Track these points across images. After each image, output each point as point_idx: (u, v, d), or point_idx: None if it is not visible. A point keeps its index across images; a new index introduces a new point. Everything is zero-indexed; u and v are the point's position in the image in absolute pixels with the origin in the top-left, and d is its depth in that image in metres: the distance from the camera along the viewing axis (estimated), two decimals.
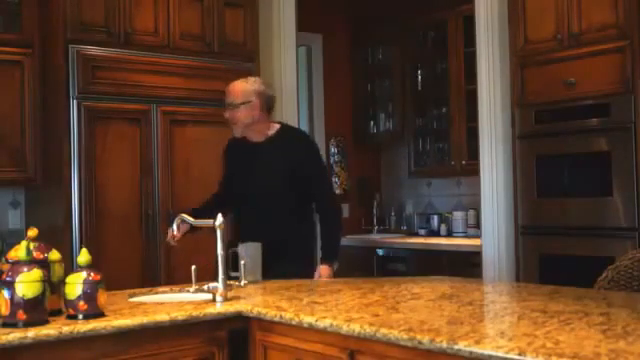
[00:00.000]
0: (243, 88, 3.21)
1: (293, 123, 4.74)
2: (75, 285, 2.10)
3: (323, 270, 3.08)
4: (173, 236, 3.00)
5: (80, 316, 2.08)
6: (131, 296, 2.59)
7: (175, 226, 2.81)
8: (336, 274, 3.15)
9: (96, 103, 3.82)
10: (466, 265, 4.63)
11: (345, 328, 1.94)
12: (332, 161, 6.12)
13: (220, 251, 2.52)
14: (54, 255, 2.21)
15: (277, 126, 3.29)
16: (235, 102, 3.17)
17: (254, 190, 3.19)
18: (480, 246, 4.38)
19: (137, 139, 3.96)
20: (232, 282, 2.64)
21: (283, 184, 3.15)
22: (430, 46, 5.84)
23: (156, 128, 4.01)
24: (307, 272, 3.11)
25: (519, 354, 1.54)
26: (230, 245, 2.95)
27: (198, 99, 4.16)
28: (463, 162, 5.35)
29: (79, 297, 2.09)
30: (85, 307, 2.09)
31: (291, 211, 3.17)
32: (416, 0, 5.70)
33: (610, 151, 3.73)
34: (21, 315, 1.97)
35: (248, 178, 3.21)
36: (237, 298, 2.47)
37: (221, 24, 4.30)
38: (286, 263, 3.06)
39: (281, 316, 2.16)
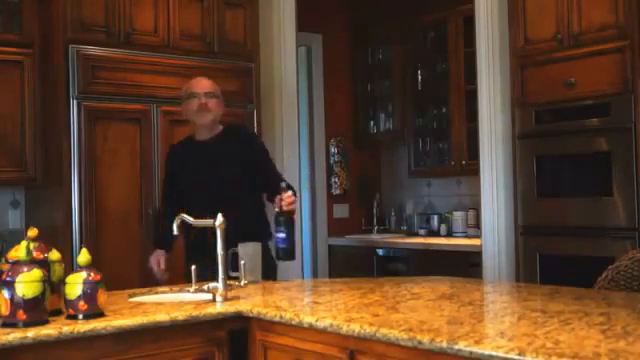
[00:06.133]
0: (217, 85, 3.40)
1: (293, 123, 4.76)
2: (75, 285, 2.10)
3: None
4: (160, 268, 3.33)
5: (80, 316, 2.08)
6: (131, 296, 2.59)
7: (175, 225, 2.77)
8: (336, 274, 3.15)
9: (96, 103, 3.82)
10: (466, 265, 4.62)
11: (345, 328, 1.94)
12: (332, 161, 6.11)
13: (220, 251, 2.53)
14: (54, 255, 2.21)
15: (221, 127, 3.41)
16: (214, 92, 3.33)
17: (210, 184, 3.28)
18: (480, 246, 4.38)
19: (137, 139, 3.95)
20: (232, 282, 2.64)
21: (238, 173, 3.28)
22: (430, 46, 5.84)
23: (156, 128, 4.01)
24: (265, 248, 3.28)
25: (519, 354, 1.54)
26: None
27: None
28: (463, 162, 5.35)
29: (79, 297, 2.09)
30: (85, 307, 2.09)
31: (246, 196, 3.30)
32: (416, 0, 5.70)
33: (610, 151, 3.73)
34: (21, 315, 1.97)
35: (203, 174, 3.31)
36: (237, 298, 2.47)
37: (221, 24, 4.30)
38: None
39: (281, 316, 2.16)
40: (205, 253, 2.87)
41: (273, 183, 3.18)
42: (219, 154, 3.30)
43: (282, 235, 2.88)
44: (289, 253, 2.91)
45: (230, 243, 2.89)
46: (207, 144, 3.34)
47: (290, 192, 2.94)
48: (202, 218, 2.77)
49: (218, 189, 3.24)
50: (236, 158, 3.29)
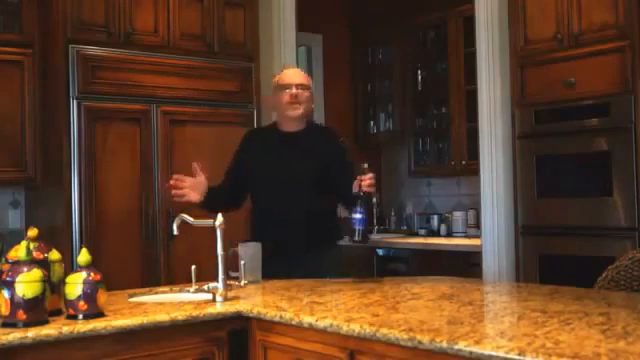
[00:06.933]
0: (309, 77, 3.31)
1: None
2: (75, 285, 2.10)
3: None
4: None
5: (80, 316, 2.08)
6: (131, 296, 2.59)
7: (175, 225, 2.78)
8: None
9: (96, 103, 3.82)
10: (466, 265, 4.63)
11: (345, 328, 1.94)
12: None
13: (220, 251, 2.53)
14: (54, 255, 2.21)
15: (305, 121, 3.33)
16: (306, 84, 3.25)
17: (290, 175, 3.19)
18: (480, 246, 4.37)
19: (137, 139, 3.95)
20: (232, 282, 2.65)
21: (319, 169, 3.18)
22: (430, 46, 5.85)
23: (156, 128, 4.01)
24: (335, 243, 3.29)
25: (519, 354, 1.54)
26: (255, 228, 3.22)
27: (198, 99, 4.17)
28: (463, 162, 5.35)
29: (79, 297, 2.09)
30: (85, 307, 2.09)
31: (324, 193, 3.21)
32: (416, 0, 5.70)
33: (610, 151, 3.73)
34: (21, 315, 1.97)
35: (282, 164, 3.22)
36: (237, 298, 2.47)
37: (221, 24, 4.30)
38: (320, 236, 3.17)
39: (281, 316, 2.16)
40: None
41: (348, 185, 2.99)
42: (304, 148, 3.21)
43: (360, 216, 2.82)
44: (366, 235, 2.86)
45: (302, 238, 3.04)
46: (293, 136, 3.24)
47: (371, 174, 2.86)
48: (274, 207, 2.94)
49: (298, 182, 3.15)
50: (320, 155, 3.20)
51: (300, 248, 3.05)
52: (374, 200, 2.94)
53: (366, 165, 2.86)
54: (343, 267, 3.28)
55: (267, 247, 3.04)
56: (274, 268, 3.00)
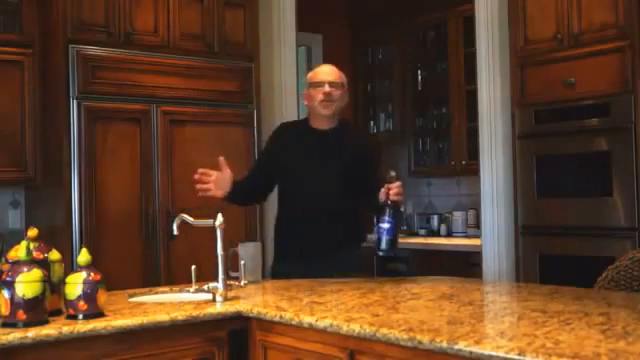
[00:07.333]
0: (342, 74, 3.26)
1: None
2: (75, 285, 2.10)
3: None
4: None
5: (80, 316, 2.08)
6: (131, 296, 2.59)
7: (175, 225, 2.78)
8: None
9: (96, 103, 3.82)
10: (466, 265, 4.63)
11: (345, 328, 1.94)
12: None
13: (220, 251, 2.53)
14: (54, 255, 2.21)
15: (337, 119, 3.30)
16: (339, 82, 3.20)
17: (318, 173, 3.16)
18: (480, 246, 4.38)
19: (137, 139, 3.95)
20: (232, 282, 2.65)
21: (348, 168, 3.16)
22: (430, 46, 5.85)
23: (156, 128, 4.01)
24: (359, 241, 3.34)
25: (519, 354, 1.54)
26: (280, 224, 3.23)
27: (198, 99, 4.17)
28: (463, 162, 5.35)
29: (79, 297, 2.09)
30: (85, 307, 2.09)
31: (351, 192, 3.18)
32: (416, 0, 5.70)
33: (610, 151, 3.73)
34: (21, 315, 1.97)
35: (311, 161, 3.18)
36: (237, 298, 2.47)
37: (221, 24, 4.30)
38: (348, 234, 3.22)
39: (281, 316, 2.16)
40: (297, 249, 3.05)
41: (374, 187, 2.99)
42: (335, 146, 3.18)
43: (387, 225, 2.78)
44: (393, 244, 2.83)
45: (327, 236, 3.05)
46: (324, 134, 3.20)
47: (398, 182, 2.84)
48: (301, 205, 2.92)
49: (326, 180, 3.13)
50: (350, 154, 3.18)
51: (325, 247, 3.04)
52: (402, 209, 2.89)
53: (393, 173, 2.83)
54: (365, 268, 3.29)
55: (293, 245, 3.06)
56: (297, 266, 3.02)
